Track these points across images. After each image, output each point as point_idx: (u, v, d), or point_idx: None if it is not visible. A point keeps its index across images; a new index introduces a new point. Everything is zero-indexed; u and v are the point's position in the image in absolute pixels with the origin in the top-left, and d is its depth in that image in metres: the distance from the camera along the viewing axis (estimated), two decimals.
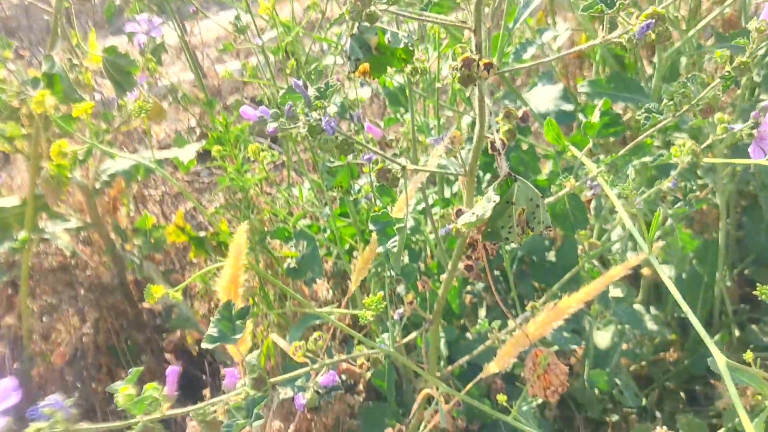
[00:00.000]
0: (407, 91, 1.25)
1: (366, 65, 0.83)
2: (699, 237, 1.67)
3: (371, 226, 0.87)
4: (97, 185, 1.88)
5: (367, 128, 1.27)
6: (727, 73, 0.74)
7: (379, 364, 1.09)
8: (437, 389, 1.40)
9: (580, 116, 1.67)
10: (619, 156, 0.87)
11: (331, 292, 1.80)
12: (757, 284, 0.98)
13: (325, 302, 1.79)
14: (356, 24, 0.74)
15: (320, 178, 1.25)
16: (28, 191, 1.67)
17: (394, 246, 0.82)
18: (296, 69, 1.33)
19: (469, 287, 1.85)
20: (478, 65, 0.75)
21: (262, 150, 1.26)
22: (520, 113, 0.86)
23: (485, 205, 0.66)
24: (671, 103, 0.77)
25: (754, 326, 1.82)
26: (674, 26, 1.53)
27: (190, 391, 1.93)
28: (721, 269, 1.77)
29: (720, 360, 0.87)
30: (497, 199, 0.65)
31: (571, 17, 2.02)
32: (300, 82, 0.72)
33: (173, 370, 0.91)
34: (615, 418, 1.78)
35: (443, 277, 1.17)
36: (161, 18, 1.63)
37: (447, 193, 1.73)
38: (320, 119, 0.73)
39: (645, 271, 1.82)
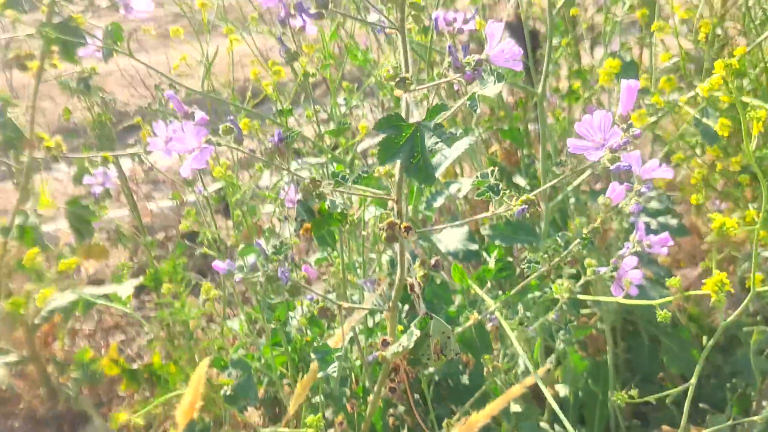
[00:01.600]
0: (336, 236, 1.46)
1: (308, 225, 1.03)
2: (591, 358, 1.89)
3: (313, 355, 1.05)
4: (37, 321, 1.98)
5: (304, 269, 1.47)
6: (584, 236, 0.98)
7: None
8: None
9: (484, 254, 1.92)
10: (511, 295, 1.08)
11: (263, 418, 1.92)
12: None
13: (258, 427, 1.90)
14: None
15: (259, 312, 1.41)
16: None
17: (334, 371, 1.00)
18: (239, 219, 1.53)
19: (391, 410, 2.00)
20: (400, 228, 0.96)
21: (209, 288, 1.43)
22: (433, 261, 1.08)
23: (408, 338, 0.85)
24: (546, 256, 1.00)
25: None
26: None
27: None
28: (612, 388, 2.00)
29: None
30: (418, 333, 0.85)
31: (468, 169, 2.32)
32: (261, 242, 0.92)
33: None
34: None
35: (370, 398, 1.34)
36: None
37: (370, 323, 1.92)
38: (276, 270, 0.92)
39: (548, 390, 2.02)
